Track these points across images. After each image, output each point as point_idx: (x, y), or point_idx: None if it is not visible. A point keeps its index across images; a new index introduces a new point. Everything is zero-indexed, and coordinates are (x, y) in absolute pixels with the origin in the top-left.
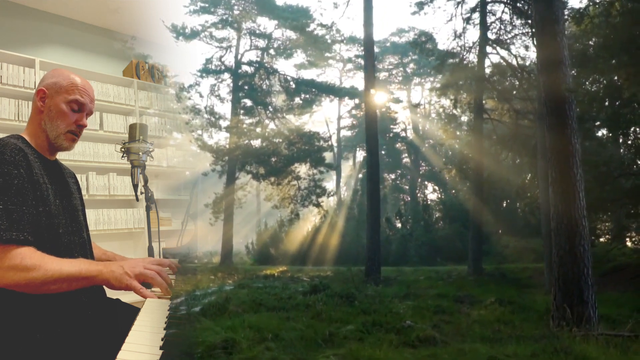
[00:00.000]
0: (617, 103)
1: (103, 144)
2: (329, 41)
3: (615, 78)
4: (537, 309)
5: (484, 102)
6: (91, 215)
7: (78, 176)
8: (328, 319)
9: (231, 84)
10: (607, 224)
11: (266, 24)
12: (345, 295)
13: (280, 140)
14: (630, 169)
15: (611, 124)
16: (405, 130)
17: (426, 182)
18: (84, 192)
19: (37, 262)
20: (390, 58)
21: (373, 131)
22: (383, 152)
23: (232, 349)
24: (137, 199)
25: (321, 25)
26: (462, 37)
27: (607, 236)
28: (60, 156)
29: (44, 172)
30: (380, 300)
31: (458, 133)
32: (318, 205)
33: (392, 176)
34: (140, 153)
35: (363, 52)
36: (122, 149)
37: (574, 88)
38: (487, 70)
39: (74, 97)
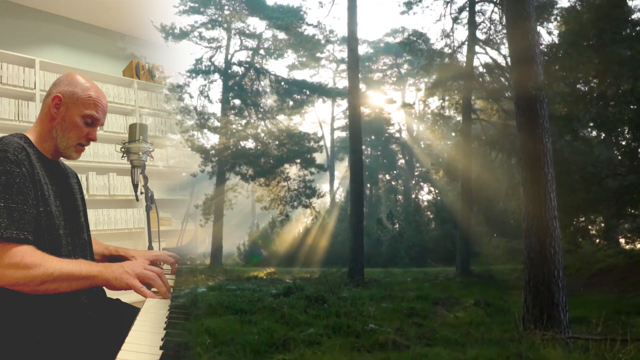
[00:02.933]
0: (607, 103)
1: (103, 144)
2: (322, 42)
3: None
4: (515, 311)
5: (473, 102)
6: (91, 215)
7: (78, 176)
8: (292, 322)
9: (221, 85)
10: (602, 224)
11: (256, 24)
12: (315, 298)
13: (270, 141)
14: (618, 170)
15: (598, 124)
16: (400, 131)
17: (422, 183)
18: (84, 192)
19: (38, 261)
20: (384, 59)
21: (357, 130)
22: (379, 153)
23: (182, 355)
24: (137, 199)
25: (312, 25)
26: (450, 37)
27: (597, 238)
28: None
29: (46, 173)
30: (352, 303)
31: (453, 134)
32: (307, 206)
33: (388, 177)
34: (140, 153)
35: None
36: (122, 149)
37: (540, 86)
38: (476, 70)
39: (89, 113)
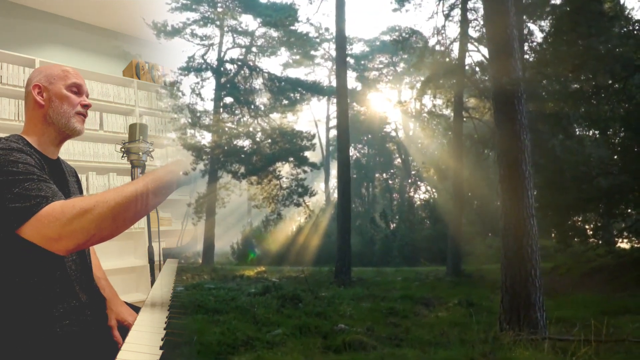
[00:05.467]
0: (598, 101)
1: (103, 144)
2: (318, 40)
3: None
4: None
5: (466, 100)
6: None
7: (78, 175)
8: (262, 322)
9: (214, 82)
10: (599, 223)
11: (249, 21)
12: (291, 297)
13: (263, 139)
14: (610, 168)
15: (591, 123)
16: (396, 130)
17: (419, 182)
18: (84, 192)
19: (91, 199)
20: (380, 57)
21: (344, 129)
22: (374, 152)
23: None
24: None
25: (303, 22)
26: (442, 34)
27: (590, 237)
28: (61, 156)
29: (47, 174)
30: (329, 303)
31: (450, 133)
32: (299, 205)
33: (385, 176)
34: (141, 153)
35: (341, 49)
36: (122, 149)
37: (516, 82)
38: (469, 68)
39: (71, 82)
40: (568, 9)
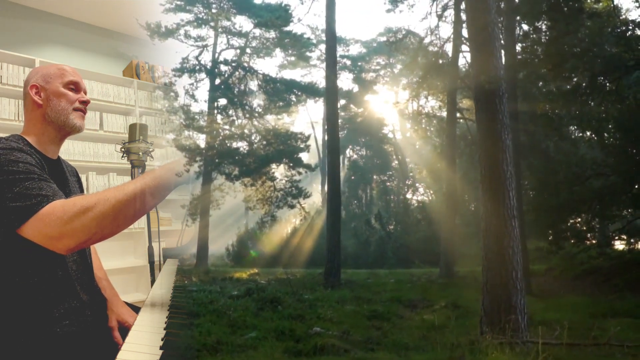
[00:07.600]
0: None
1: (103, 144)
2: (314, 41)
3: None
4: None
5: (459, 101)
6: None
7: (79, 174)
8: (237, 325)
9: (208, 84)
10: (597, 225)
11: (244, 22)
12: (271, 300)
13: (257, 140)
14: (602, 169)
15: (584, 124)
16: (393, 131)
17: (417, 184)
18: (84, 191)
19: (92, 197)
20: (377, 58)
21: (334, 130)
22: (372, 154)
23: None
24: None
25: (294, 22)
26: (436, 35)
27: (583, 239)
28: (61, 156)
29: (48, 174)
30: (311, 305)
31: (443, 134)
32: (293, 206)
33: (383, 177)
34: (141, 153)
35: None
36: (122, 149)
37: (494, 80)
38: (462, 68)
39: (68, 79)
40: (543, 4)
